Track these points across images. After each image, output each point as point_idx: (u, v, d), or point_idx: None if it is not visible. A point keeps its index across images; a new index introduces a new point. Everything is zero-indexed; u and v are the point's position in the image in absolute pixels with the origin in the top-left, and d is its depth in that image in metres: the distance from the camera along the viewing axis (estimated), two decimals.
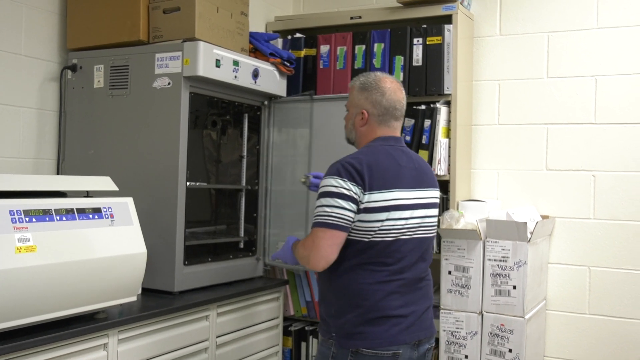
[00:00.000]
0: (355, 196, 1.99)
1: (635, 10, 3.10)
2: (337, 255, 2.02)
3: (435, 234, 2.23)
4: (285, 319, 3.25)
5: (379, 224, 2.01)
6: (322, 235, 2.00)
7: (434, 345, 2.20)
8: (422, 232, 2.13)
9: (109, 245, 2.07)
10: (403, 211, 2.06)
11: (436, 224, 2.23)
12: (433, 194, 2.20)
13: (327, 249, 2.00)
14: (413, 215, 2.09)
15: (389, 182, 2.04)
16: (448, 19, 3.12)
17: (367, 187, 2.00)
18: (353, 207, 1.99)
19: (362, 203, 2.00)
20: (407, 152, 2.18)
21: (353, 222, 2.01)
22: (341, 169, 2.02)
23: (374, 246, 2.02)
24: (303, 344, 3.32)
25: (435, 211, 2.21)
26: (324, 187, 2.03)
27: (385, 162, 2.08)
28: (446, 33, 3.10)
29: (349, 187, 1.99)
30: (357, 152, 2.14)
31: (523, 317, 2.80)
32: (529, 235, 2.79)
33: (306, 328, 3.34)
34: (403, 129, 3.16)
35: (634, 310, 3.07)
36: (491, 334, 2.85)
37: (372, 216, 2.01)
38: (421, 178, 2.15)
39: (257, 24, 3.49)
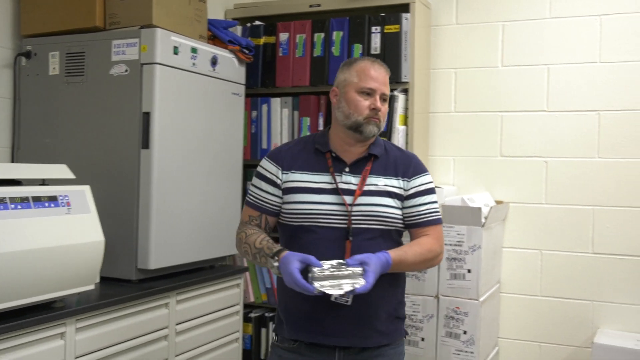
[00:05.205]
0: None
1: (586, 0, 3.18)
2: None
3: None
4: (245, 305, 3.27)
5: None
6: (441, 230, 2.09)
7: None
8: None
9: (65, 233, 2.05)
10: None
11: None
12: None
13: None
14: None
15: None
16: (406, 8, 3.15)
17: None
18: None
19: None
20: None
21: None
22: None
23: None
24: (263, 330, 3.35)
25: None
26: (433, 184, 2.08)
27: None
28: (404, 22, 3.14)
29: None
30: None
31: (477, 300, 2.87)
32: (483, 220, 2.86)
33: (266, 314, 3.36)
34: None
35: (582, 291, 3.18)
36: (447, 316, 2.92)
37: None
38: None
39: (216, 11, 3.47)
